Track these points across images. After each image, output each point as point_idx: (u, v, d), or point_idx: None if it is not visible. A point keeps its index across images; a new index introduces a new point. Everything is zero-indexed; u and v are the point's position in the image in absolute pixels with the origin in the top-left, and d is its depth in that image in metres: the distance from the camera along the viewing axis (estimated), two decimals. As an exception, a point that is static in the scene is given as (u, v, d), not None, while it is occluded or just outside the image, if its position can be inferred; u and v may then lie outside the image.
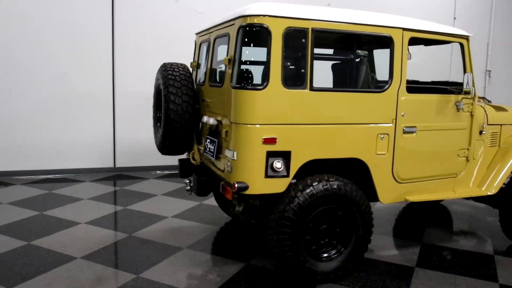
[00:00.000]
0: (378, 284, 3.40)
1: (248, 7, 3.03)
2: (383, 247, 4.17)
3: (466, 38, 3.77)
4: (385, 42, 3.38)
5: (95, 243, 4.04)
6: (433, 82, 4.47)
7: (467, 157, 3.92)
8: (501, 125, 4.17)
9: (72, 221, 4.61)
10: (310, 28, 3.07)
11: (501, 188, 4.01)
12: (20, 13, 6.17)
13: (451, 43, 3.87)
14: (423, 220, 4.98)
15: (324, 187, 3.21)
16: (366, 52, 3.51)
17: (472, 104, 3.84)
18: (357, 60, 3.64)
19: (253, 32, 3.02)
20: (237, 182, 3.06)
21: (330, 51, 4.39)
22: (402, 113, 3.47)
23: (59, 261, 3.63)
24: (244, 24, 3.03)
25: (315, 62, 3.17)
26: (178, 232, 4.42)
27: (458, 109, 3.75)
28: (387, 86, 3.39)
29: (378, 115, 3.38)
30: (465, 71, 3.78)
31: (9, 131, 6.29)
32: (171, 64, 3.93)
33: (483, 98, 4.57)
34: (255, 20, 2.97)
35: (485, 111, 4.07)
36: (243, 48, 3.07)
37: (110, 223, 4.61)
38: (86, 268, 3.53)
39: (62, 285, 3.23)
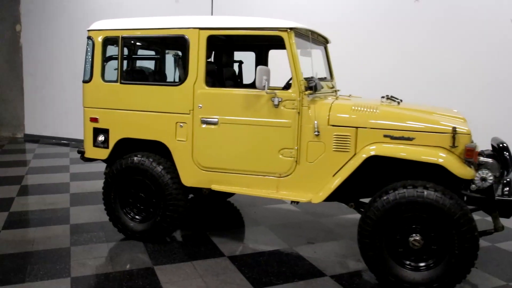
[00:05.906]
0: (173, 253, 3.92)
1: (92, 24, 4.29)
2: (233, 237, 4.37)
3: (285, 30, 3.55)
4: (182, 42, 3.82)
5: (81, 190, 5.88)
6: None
7: (295, 158, 3.63)
8: (356, 127, 3.50)
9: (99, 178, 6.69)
10: (120, 36, 4.02)
11: None
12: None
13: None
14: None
15: (130, 160, 4.06)
16: (179, 52, 3.88)
17: (298, 100, 3.57)
18: (164, 58, 4.09)
19: (88, 42, 4.24)
20: (79, 148, 4.39)
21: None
22: (199, 105, 3.80)
23: (46, 192, 5.74)
24: (87, 36, 4.30)
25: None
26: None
27: (275, 105, 3.61)
28: (183, 80, 3.83)
29: (177, 105, 3.90)
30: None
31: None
32: None
33: (391, 97, 3.85)
34: (88, 33, 4.21)
35: (329, 109, 3.57)
36: (87, 53, 4.31)
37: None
38: (46, 203, 5.28)
39: (17, 208, 5.24)
